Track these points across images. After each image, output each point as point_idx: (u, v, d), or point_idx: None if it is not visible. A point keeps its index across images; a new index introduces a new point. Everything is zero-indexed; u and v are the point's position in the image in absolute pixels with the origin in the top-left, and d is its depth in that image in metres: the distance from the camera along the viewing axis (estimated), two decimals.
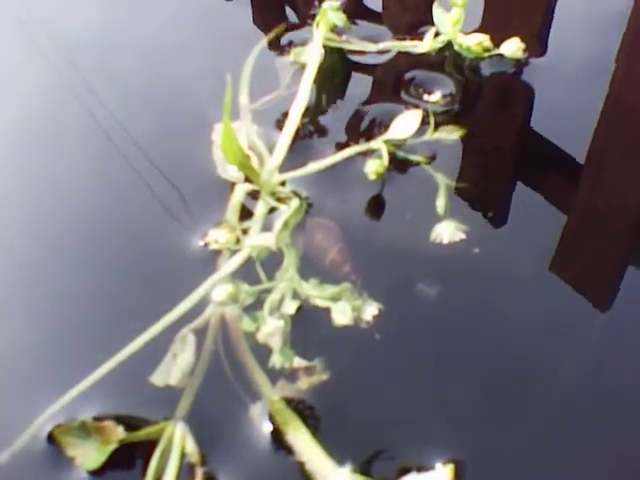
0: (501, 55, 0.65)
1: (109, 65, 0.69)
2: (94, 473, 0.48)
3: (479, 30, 0.66)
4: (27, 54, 0.69)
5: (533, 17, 0.70)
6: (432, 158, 0.60)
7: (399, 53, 0.67)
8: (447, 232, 0.56)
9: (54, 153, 0.64)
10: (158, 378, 0.50)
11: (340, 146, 0.61)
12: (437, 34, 0.66)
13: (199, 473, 0.47)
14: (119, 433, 0.48)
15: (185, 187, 0.61)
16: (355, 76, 0.67)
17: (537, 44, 0.68)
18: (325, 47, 0.65)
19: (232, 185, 0.59)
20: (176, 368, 0.50)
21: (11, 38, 0.71)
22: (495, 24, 0.68)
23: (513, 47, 0.65)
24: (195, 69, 0.68)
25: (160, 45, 0.71)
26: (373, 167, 0.58)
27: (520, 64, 0.66)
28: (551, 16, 0.70)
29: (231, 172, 0.59)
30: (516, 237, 0.58)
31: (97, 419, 0.49)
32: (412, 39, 0.67)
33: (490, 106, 0.67)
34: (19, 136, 0.64)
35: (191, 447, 0.48)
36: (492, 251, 0.57)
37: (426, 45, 0.65)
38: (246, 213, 0.58)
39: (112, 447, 0.48)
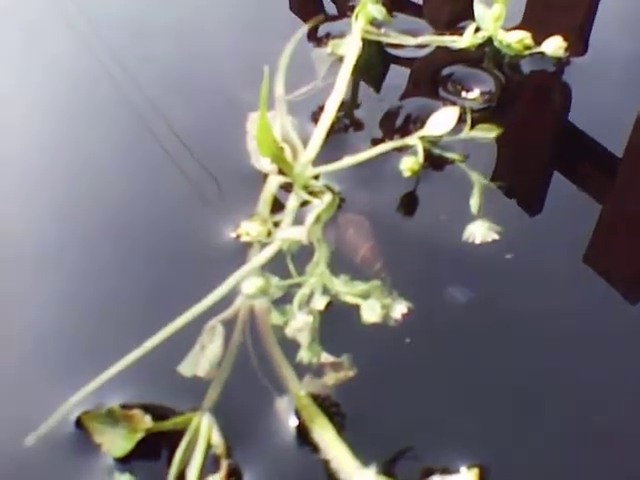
0: (542, 53, 0.64)
1: (143, 46, 0.69)
2: (120, 460, 0.48)
3: (520, 27, 0.65)
4: (63, 34, 0.69)
5: (575, 15, 0.69)
6: (468, 156, 0.59)
7: (438, 48, 0.66)
8: (480, 232, 0.55)
9: (87, 133, 0.64)
10: (186, 369, 0.50)
11: (375, 141, 0.60)
12: (477, 29, 0.65)
13: (224, 465, 0.48)
14: (146, 422, 0.48)
15: (217, 175, 0.60)
16: (393, 70, 0.66)
17: (578, 42, 0.67)
18: (363, 40, 0.64)
19: (265, 176, 0.59)
20: (204, 359, 0.50)
21: (47, 19, 0.71)
22: (536, 21, 0.67)
23: (554, 45, 0.63)
24: (230, 53, 0.68)
25: (195, 28, 0.70)
26: (408, 164, 0.58)
27: (561, 63, 0.65)
28: (593, 14, 0.69)
29: (264, 163, 0.59)
30: (551, 239, 0.57)
31: (125, 407, 0.49)
32: (452, 34, 0.66)
33: (529, 105, 0.66)
34: (53, 115, 0.65)
35: (217, 439, 0.48)
36: (526, 251, 0.56)
37: (466, 41, 0.64)
38: (278, 205, 0.58)
39: (139, 436, 0.48)
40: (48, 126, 0.64)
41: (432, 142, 0.59)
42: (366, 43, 0.64)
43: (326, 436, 0.48)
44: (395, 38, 0.66)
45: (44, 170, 0.62)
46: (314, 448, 0.48)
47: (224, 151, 0.62)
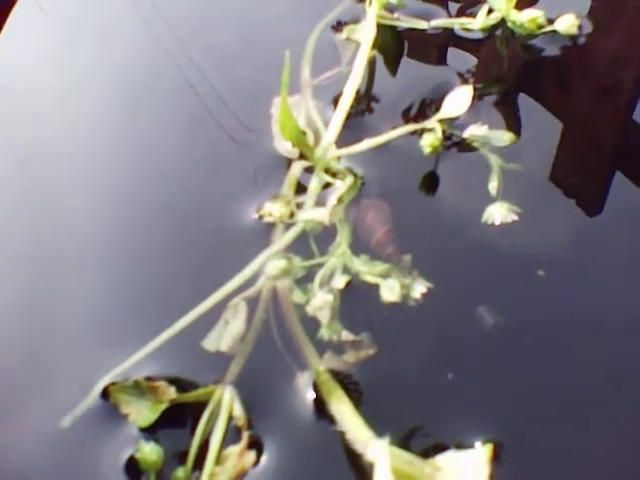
0: (554, 32, 0.64)
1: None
2: (146, 430, 0.50)
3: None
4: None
5: None
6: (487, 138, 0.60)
7: (451, 30, 0.66)
8: (499, 213, 0.55)
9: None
10: (210, 343, 0.52)
11: (394, 124, 0.61)
12: (490, 11, 0.64)
13: (245, 436, 0.49)
14: (171, 393, 0.50)
15: (243, 156, 0.61)
16: (408, 53, 0.66)
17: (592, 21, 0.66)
18: (378, 25, 0.64)
19: (289, 159, 0.60)
20: (227, 335, 0.52)
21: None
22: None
23: (567, 23, 0.63)
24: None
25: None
26: (429, 140, 0.58)
27: (574, 41, 0.65)
28: None
29: (287, 146, 0.61)
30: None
31: (150, 380, 0.51)
32: (466, 16, 0.66)
33: (542, 85, 0.65)
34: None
35: (238, 411, 0.50)
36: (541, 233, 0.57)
37: (479, 22, 0.64)
38: (301, 187, 0.59)
39: (164, 406, 0.50)
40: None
41: (450, 124, 0.60)
42: (380, 28, 0.65)
43: (343, 409, 0.49)
44: (409, 22, 0.66)
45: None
46: (331, 421, 0.49)
47: (253, 133, 0.62)
